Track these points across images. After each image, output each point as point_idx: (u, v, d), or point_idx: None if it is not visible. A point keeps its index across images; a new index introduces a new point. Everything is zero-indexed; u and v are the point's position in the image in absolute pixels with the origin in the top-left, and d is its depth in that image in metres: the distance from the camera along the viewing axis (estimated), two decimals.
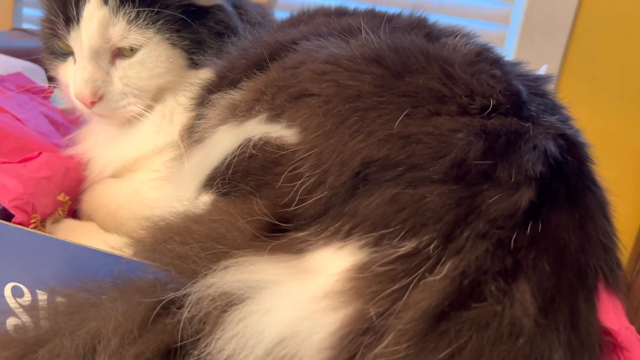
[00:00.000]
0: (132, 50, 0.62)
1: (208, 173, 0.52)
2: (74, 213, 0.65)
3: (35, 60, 0.91)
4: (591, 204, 0.45)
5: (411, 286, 0.37)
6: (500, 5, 1.40)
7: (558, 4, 1.32)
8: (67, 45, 0.64)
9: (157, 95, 0.65)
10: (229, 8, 0.67)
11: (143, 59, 0.62)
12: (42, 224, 0.57)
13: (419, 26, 0.59)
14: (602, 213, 0.47)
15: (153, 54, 0.62)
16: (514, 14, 1.39)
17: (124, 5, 0.60)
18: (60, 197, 0.60)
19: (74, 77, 0.63)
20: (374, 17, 0.60)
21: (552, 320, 0.37)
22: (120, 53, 0.63)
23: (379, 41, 0.50)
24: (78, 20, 0.61)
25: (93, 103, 0.63)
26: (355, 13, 0.64)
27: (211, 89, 0.57)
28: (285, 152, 0.46)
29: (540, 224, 0.40)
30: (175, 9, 0.62)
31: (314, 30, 0.56)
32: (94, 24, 0.60)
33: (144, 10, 0.60)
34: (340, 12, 0.64)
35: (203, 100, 0.57)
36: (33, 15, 1.78)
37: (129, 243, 0.47)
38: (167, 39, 0.62)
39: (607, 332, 0.43)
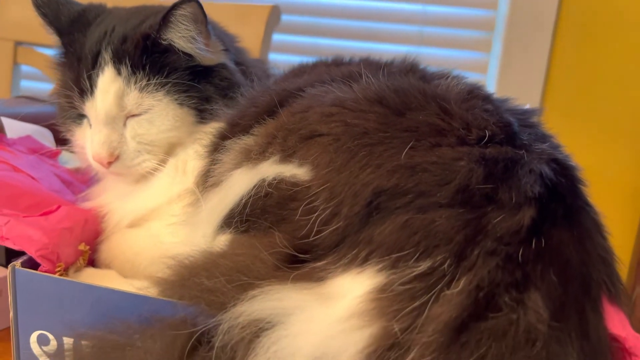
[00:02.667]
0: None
1: (225, 213, 0.54)
2: (91, 263, 0.67)
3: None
4: (587, 223, 0.48)
5: (431, 301, 0.40)
6: (480, 34, 1.53)
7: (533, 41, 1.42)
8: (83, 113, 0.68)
9: (169, 150, 0.68)
10: (232, 65, 0.71)
11: (151, 118, 0.65)
12: (65, 272, 0.59)
13: (412, 70, 0.64)
14: (597, 231, 0.50)
15: (162, 114, 0.65)
16: (494, 42, 1.52)
17: (135, 74, 0.64)
18: (81, 247, 0.62)
19: (91, 140, 0.66)
20: (371, 64, 0.64)
21: (564, 325, 0.40)
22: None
23: (379, 84, 0.54)
24: (92, 91, 0.65)
25: (110, 163, 0.66)
26: (352, 62, 0.68)
27: (224, 136, 0.60)
28: (299, 188, 0.49)
29: (543, 240, 0.43)
30: (183, 71, 0.65)
31: (317, 78, 0.60)
32: (110, 96, 0.64)
33: (154, 77, 0.64)
34: (338, 62, 0.69)
35: (217, 146, 0.60)
36: (31, 87, 1.82)
37: (154, 282, 0.49)
38: (176, 99, 0.65)
39: (615, 339, 0.45)
